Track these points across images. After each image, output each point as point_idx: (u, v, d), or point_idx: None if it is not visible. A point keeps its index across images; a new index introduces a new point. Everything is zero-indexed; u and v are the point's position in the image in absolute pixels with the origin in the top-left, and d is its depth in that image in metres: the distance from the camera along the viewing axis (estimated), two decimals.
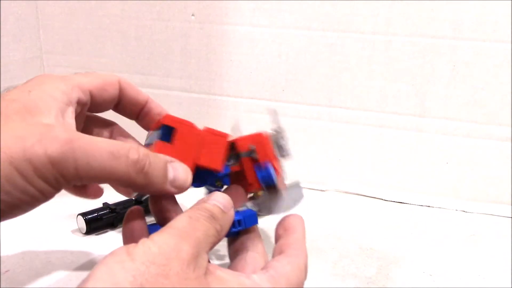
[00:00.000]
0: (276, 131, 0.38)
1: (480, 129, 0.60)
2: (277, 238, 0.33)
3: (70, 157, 0.26)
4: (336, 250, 0.51)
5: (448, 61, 0.59)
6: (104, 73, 0.37)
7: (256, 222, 0.33)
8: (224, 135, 0.34)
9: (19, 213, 0.28)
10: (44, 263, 0.46)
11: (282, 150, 0.38)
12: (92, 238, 0.52)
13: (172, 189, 0.30)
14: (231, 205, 0.30)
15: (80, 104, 0.33)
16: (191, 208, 0.29)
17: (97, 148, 0.27)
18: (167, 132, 0.33)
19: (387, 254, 0.50)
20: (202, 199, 0.30)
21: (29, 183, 0.26)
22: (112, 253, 0.24)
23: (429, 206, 0.62)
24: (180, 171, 0.30)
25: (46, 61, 0.76)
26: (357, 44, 0.62)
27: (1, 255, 0.46)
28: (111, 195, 0.56)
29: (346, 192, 0.66)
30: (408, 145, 0.63)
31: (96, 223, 0.52)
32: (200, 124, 0.35)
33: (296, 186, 0.39)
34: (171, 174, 0.30)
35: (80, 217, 0.52)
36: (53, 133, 0.26)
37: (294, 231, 0.32)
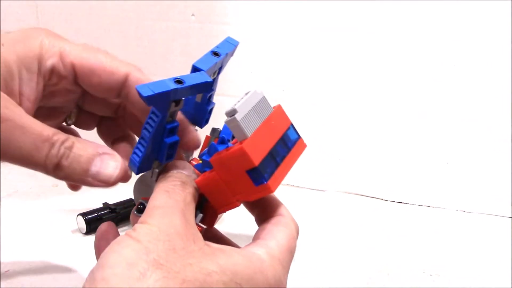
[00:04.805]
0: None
1: (480, 129, 0.60)
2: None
3: None
4: (337, 250, 0.51)
5: (448, 61, 0.59)
6: (116, 57, 0.32)
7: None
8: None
9: None
10: (44, 263, 0.46)
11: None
12: (92, 238, 0.52)
13: (95, 183, 0.29)
14: (190, 166, 0.31)
15: (56, 74, 0.30)
16: (160, 181, 0.29)
17: (24, 134, 0.26)
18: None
19: (387, 254, 0.50)
20: (165, 170, 0.30)
21: None
22: (115, 242, 0.24)
23: (429, 206, 0.62)
24: (109, 165, 0.29)
25: None
26: (357, 44, 0.62)
27: (1, 255, 0.46)
28: (111, 195, 0.56)
29: (346, 192, 0.66)
30: (408, 145, 0.63)
31: (96, 223, 0.52)
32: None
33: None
34: (95, 168, 0.29)
35: (80, 217, 0.52)
36: None
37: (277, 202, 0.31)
